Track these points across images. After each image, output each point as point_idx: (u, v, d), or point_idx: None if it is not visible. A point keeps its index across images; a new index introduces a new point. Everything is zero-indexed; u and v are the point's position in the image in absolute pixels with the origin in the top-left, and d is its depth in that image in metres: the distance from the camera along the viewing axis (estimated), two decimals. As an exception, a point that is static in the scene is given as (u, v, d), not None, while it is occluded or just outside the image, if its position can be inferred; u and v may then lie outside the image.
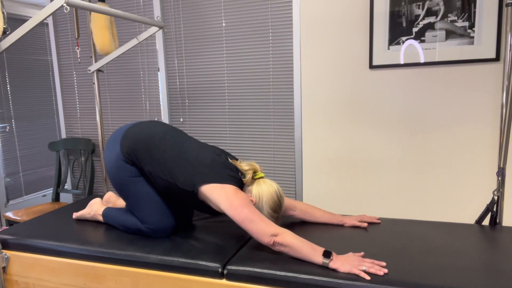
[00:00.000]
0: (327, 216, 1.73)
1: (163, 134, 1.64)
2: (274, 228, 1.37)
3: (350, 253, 1.37)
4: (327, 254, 1.32)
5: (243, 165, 1.59)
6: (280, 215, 1.56)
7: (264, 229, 1.37)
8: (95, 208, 1.86)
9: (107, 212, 1.80)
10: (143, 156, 1.58)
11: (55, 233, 1.74)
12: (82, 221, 1.91)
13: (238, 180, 1.54)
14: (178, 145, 1.61)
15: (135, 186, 1.62)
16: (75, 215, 1.92)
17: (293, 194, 2.61)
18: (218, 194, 1.46)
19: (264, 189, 1.53)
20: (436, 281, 1.22)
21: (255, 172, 1.59)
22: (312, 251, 1.34)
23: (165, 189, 1.59)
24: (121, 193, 1.66)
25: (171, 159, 1.55)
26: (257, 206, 1.51)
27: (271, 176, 2.67)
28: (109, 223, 1.79)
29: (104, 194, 2.68)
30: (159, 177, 1.56)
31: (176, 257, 1.47)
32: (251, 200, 1.50)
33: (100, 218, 1.83)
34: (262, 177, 1.58)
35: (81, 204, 2.16)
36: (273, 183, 1.56)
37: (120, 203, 1.95)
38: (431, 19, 2.13)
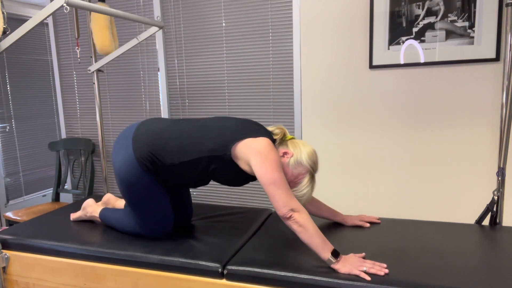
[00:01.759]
0: (330, 211, 1.73)
1: (174, 122, 1.59)
2: (296, 203, 1.35)
3: (351, 254, 1.37)
4: (335, 254, 1.32)
5: (272, 128, 1.55)
6: (315, 180, 1.50)
7: (286, 200, 1.33)
8: (90, 211, 1.85)
9: (105, 213, 1.79)
10: (161, 149, 1.51)
11: (55, 233, 1.74)
12: (81, 221, 1.91)
13: (271, 139, 1.48)
14: (194, 122, 1.56)
15: (144, 194, 1.56)
16: (72, 217, 1.91)
17: (293, 194, 2.61)
18: (250, 148, 1.40)
19: (301, 144, 1.49)
20: (436, 281, 1.22)
21: (284, 134, 1.54)
22: (322, 244, 1.32)
23: (192, 172, 1.51)
24: (128, 197, 1.59)
25: (193, 135, 1.50)
26: (296, 159, 1.45)
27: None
28: (107, 224, 1.78)
29: (104, 194, 2.68)
30: (183, 163, 1.49)
31: (176, 257, 1.47)
32: (287, 153, 1.47)
33: (98, 220, 1.83)
34: (294, 138, 1.55)
35: (81, 204, 2.16)
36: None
37: (119, 204, 1.94)
38: (431, 19, 2.13)
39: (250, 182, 2.74)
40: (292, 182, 1.48)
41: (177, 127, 1.55)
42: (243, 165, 1.45)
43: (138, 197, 1.56)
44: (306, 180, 1.47)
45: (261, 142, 1.41)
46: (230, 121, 1.54)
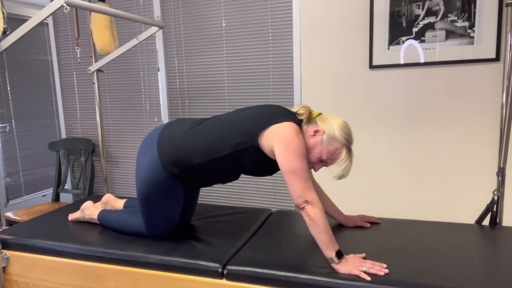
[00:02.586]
0: (335, 209, 1.73)
1: (197, 122, 1.58)
2: (312, 195, 1.33)
3: (351, 254, 1.37)
4: (339, 255, 1.32)
5: (297, 108, 1.50)
6: (352, 153, 1.44)
7: (302, 191, 1.32)
8: (88, 213, 1.84)
9: (103, 215, 1.79)
10: (186, 151, 1.49)
11: (55, 233, 1.74)
12: (81, 221, 1.90)
13: (296, 120, 1.44)
14: (216, 119, 1.54)
15: (162, 197, 1.55)
16: (70, 217, 1.91)
17: (293, 194, 2.61)
18: (274, 135, 1.37)
19: (330, 118, 1.44)
20: (436, 281, 1.22)
21: (310, 112, 1.50)
22: (328, 243, 1.32)
23: (222, 169, 1.50)
24: (145, 197, 1.57)
25: (218, 131, 1.47)
26: (329, 134, 1.41)
27: (271, 176, 2.67)
28: (106, 225, 1.78)
29: (104, 194, 2.68)
30: (212, 161, 1.47)
31: (176, 257, 1.47)
32: (318, 130, 1.42)
33: (96, 222, 1.83)
34: (321, 114, 1.50)
35: (81, 204, 2.15)
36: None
37: (119, 204, 1.94)
38: (431, 19, 2.13)
39: (251, 182, 2.74)
40: (329, 159, 1.44)
41: (200, 126, 1.54)
42: (269, 153, 1.42)
43: (155, 199, 1.57)
44: (343, 154, 1.42)
45: (285, 128, 1.37)
46: (251, 110, 1.50)
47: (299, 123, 1.46)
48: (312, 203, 1.33)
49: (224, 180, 1.59)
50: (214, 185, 2.84)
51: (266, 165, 1.50)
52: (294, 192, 1.34)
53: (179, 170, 1.52)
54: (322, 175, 2.50)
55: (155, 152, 1.54)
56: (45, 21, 3.67)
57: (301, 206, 1.34)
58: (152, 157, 1.55)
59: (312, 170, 1.59)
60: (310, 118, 1.49)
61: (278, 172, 2.63)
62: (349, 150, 1.43)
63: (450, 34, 2.11)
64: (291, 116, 1.45)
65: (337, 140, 1.41)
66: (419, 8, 2.15)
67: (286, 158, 1.34)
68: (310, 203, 1.33)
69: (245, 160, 1.48)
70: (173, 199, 1.58)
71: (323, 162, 1.46)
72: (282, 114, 1.44)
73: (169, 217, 1.61)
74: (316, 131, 1.43)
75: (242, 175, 2.74)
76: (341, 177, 1.44)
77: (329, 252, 1.32)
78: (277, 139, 1.36)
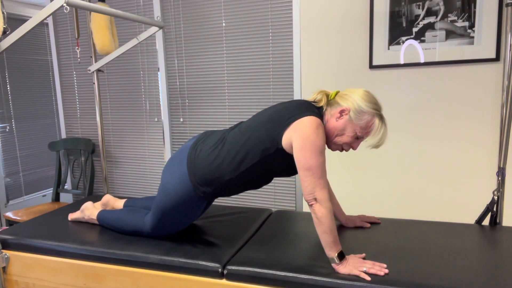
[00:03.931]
0: (338, 208, 1.73)
1: (221, 136, 1.53)
2: (323, 194, 1.31)
3: (351, 255, 1.37)
4: (341, 256, 1.32)
5: (313, 96, 1.46)
6: (384, 118, 1.39)
7: (314, 188, 1.31)
8: (88, 213, 1.85)
9: (103, 215, 1.79)
10: (217, 171, 1.46)
11: (55, 233, 1.74)
12: (81, 221, 1.90)
13: (316, 111, 1.40)
14: (236, 130, 1.50)
15: (184, 210, 1.55)
16: (70, 217, 1.91)
17: (293, 194, 2.61)
18: (294, 131, 1.34)
19: (349, 93, 1.40)
20: (436, 281, 1.22)
21: (327, 95, 1.46)
22: (331, 243, 1.31)
23: (253, 178, 1.48)
24: (165, 206, 1.55)
25: (241, 142, 1.44)
26: (355, 109, 1.37)
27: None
28: (105, 225, 1.78)
29: (104, 194, 2.68)
30: (242, 173, 1.45)
31: (176, 257, 1.47)
32: (343, 110, 1.38)
33: (96, 222, 1.83)
34: (338, 92, 1.46)
35: (81, 204, 2.16)
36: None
37: (118, 205, 1.94)
38: (431, 19, 2.13)
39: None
40: (365, 134, 1.40)
41: (225, 141, 1.50)
42: (289, 149, 1.39)
43: (176, 213, 1.56)
44: (377, 123, 1.37)
45: (305, 123, 1.34)
46: (270, 111, 1.46)
47: (319, 111, 1.43)
48: (321, 202, 1.31)
49: (256, 187, 1.56)
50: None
51: (293, 164, 1.46)
52: (305, 188, 1.33)
53: (211, 189, 1.50)
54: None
55: (186, 173, 1.51)
56: (45, 21, 3.67)
57: (310, 203, 1.33)
58: (183, 178, 1.51)
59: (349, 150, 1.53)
60: (330, 101, 1.45)
61: (278, 172, 2.63)
62: (381, 117, 1.38)
63: (450, 34, 2.11)
64: (310, 108, 1.41)
65: (365, 112, 1.37)
66: (419, 8, 2.15)
67: (303, 155, 1.32)
68: (319, 201, 1.32)
69: (273, 165, 1.45)
70: (194, 213, 1.59)
71: (359, 139, 1.42)
72: (301, 107, 1.40)
73: (180, 226, 1.62)
74: (341, 111, 1.39)
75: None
76: (377, 146, 1.40)
77: (331, 252, 1.32)
78: (296, 135, 1.34)
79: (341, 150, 1.46)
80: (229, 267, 1.39)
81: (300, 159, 1.32)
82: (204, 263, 1.42)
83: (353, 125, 1.38)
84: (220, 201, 2.86)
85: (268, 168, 1.46)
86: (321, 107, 1.45)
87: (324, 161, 1.34)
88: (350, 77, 2.35)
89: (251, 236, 1.68)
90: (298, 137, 1.33)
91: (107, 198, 1.96)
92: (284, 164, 1.45)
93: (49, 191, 3.99)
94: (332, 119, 1.41)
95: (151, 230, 1.62)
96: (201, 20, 2.69)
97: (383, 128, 1.38)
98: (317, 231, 1.34)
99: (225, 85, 2.70)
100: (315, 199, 1.32)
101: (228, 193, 1.55)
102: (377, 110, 1.38)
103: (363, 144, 2.38)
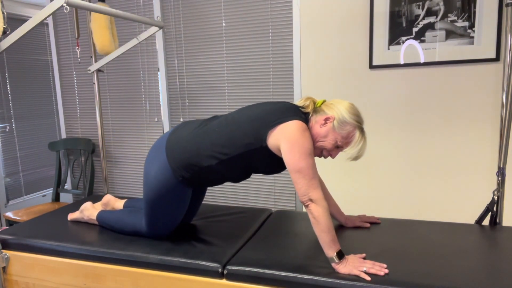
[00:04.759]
0: (337, 208, 1.73)
1: (204, 123, 1.57)
2: (317, 194, 1.34)
3: (351, 255, 1.37)
4: (340, 255, 1.32)
5: (301, 101, 1.51)
6: (365, 132, 1.45)
7: (308, 189, 1.34)
8: (87, 214, 1.85)
9: (102, 215, 1.79)
10: (195, 154, 1.49)
11: (55, 233, 1.74)
12: (81, 221, 1.90)
13: (303, 116, 1.45)
14: (223, 119, 1.54)
15: (169, 201, 1.56)
16: (70, 217, 1.91)
17: (293, 194, 2.61)
18: (280, 134, 1.38)
19: (335, 103, 1.46)
20: (436, 281, 1.22)
21: (314, 102, 1.51)
22: (330, 242, 1.32)
23: (232, 170, 1.51)
24: (152, 200, 1.57)
25: (226, 132, 1.48)
26: (339, 119, 1.42)
27: (271, 175, 2.67)
28: (105, 225, 1.78)
29: (104, 194, 2.68)
30: (221, 163, 1.48)
31: (176, 257, 1.47)
32: (328, 118, 1.43)
33: (95, 223, 1.83)
34: (325, 101, 1.52)
35: (81, 204, 2.16)
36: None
37: (119, 205, 1.94)
38: (431, 19, 2.13)
39: (250, 182, 2.74)
40: (345, 144, 1.45)
41: (207, 128, 1.54)
42: (276, 151, 1.43)
43: (163, 204, 1.57)
44: (357, 136, 1.43)
45: (292, 126, 1.38)
46: (258, 108, 1.50)
47: (306, 117, 1.47)
48: (317, 202, 1.34)
49: (234, 180, 1.59)
50: (215, 186, 2.84)
51: (276, 164, 1.50)
52: (299, 190, 1.35)
53: (190, 174, 1.52)
54: (322, 176, 2.51)
55: (164, 158, 1.54)
56: (45, 21, 3.67)
57: (306, 204, 1.35)
58: (162, 163, 1.54)
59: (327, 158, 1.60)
60: (316, 108, 1.49)
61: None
62: (362, 131, 1.45)
63: (450, 34, 2.11)
64: (297, 112, 1.45)
65: (348, 123, 1.42)
66: (419, 8, 2.15)
67: (293, 157, 1.35)
68: (314, 201, 1.34)
69: (254, 160, 1.48)
70: (180, 202, 1.59)
71: (339, 148, 1.47)
72: (289, 111, 1.44)
73: (172, 219, 1.61)
74: (326, 119, 1.44)
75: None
76: (356, 158, 1.45)
77: (330, 251, 1.32)
78: (283, 138, 1.38)
79: (320, 155, 1.51)
80: (229, 267, 1.39)
81: (290, 161, 1.36)
82: (204, 263, 1.42)
83: (335, 133, 1.44)
84: (220, 201, 2.86)
85: (249, 162, 1.49)
86: (308, 113, 1.49)
87: (313, 162, 1.37)
88: (350, 77, 2.35)
89: (251, 236, 1.68)
90: (286, 140, 1.37)
91: (107, 198, 1.96)
92: (264, 162, 1.49)
93: (49, 191, 3.99)
94: (317, 125, 1.46)
95: (147, 229, 1.62)
96: (201, 20, 2.69)
97: (363, 141, 1.44)
98: (315, 231, 1.35)
99: (225, 85, 2.70)
100: (311, 200, 1.34)
101: (206, 182, 1.56)
102: (359, 123, 1.44)
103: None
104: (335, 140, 1.44)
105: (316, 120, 1.46)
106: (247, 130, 1.45)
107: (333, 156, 1.49)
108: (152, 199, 1.57)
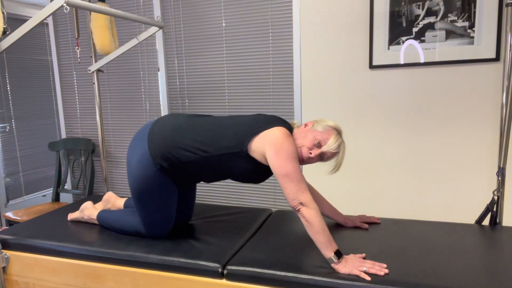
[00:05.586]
0: (332, 210, 1.73)
1: (189, 118, 1.60)
2: (306, 196, 1.35)
3: (351, 255, 1.37)
4: (338, 254, 1.32)
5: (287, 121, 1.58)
6: (343, 139, 1.50)
7: (296, 193, 1.35)
8: (87, 213, 1.85)
9: (102, 215, 1.79)
10: (175, 147, 1.51)
11: (55, 233, 1.74)
12: (81, 221, 1.90)
13: (287, 126, 1.51)
14: (209, 119, 1.57)
15: (154, 193, 1.56)
16: (70, 217, 1.91)
17: (293, 194, 2.61)
18: (264, 139, 1.41)
19: (318, 119, 1.55)
20: (436, 281, 1.22)
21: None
22: (326, 243, 1.33)
23: (208, 170, 1.53)
24: (137, 194, 1.58)
25: (208, 132, 1.50)
26: (318, 122, 1.50)
27: (271, 176, 2.67)
28: (105, 225, 1.78)
29: (104, 194, 2.68)
30: (198, 161, 1.50)
31: (176, 257, 1.47)
32: (309, 123, 1.52)
33: (96, 222, 1.83)
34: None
35: (81, 204, 2.15)
36: None
37: (119, 203, 1.94)
38: (431, 19, 2.13)
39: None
40: (323, 140, 1.47)
41: (191, 123, 1.56)
42: (259, 158, 1.45)
43: (148, 195, 1.57)
44: (335, 134, 1.48)
45: (276, 132, 1.42)
46: (244, 118, 1.55)
47: (290, 128, 1.52)
48: (307, 205, 1.35)
49: (207, 180, 1.61)
50: (213, 185, 2.84)
51: (255, 171, 1.51)
52: (288, 194, 1.37)
53: (167, 164, 1.53)
54: (322, 176, 2.51)
55: (145, 145, 1.56)
56: (45, 21, 3.67)
57: (297, 208, 1.36)
58: (143, 150, 1.56)
59: (309, 166, 1.64)
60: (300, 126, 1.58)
61: (278, 172, 2.63)
62: (339, 133, 1.50)
63: (450, 34, 2.11)
64: (283, 122, 1.51)
65: (327, 123, 1.50)
66: (419, 8, 2.15)
67: (278, 162, 1.37)
68: (304, 204, 1.35)
69: (231, 165, 1.50)
70: (166, 195, 1.59)
71: (318, 147, 1.47)
72: (274, 120, 1.49)
73: (165, 215, 1.61)
74: (306, 124, 1.54)
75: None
76: (337, 164, 1.49)
77: (328, 252, 1.32)
78: (268, 144, 1.40)
79: (302, 160, 1.50)
80: (229, 267, 1.39)
81: (276, 166, 1.37)
82: (204, 263, 1.42)
83: (314, 132, 1.48)
84: (220, 201, 2.86)
85: (225, 166, 1.51)
86: (292, 128, 1.55)
87: (299, 167, 1.40)
88: (350, 77, 2.35)
89: (251, 236, 1.68)
90: (271, 146, 1.39)
91: (109, 195, 1.96)
92: (241, 168, 1.50)
93: (49, 191, 3.99)
94: (299, 131, 1.52)
95: (145, 227, 1.63)
96: (201, 20, 2.69)
97: (341, 141, 1.48)
98: (310, 234, 1.35)
99: (225, 85, 2.70)
100: (301, 203, 1.35)
101: (182, 176, 1.57)
102: (338, 130, 1.51)
103: (363, 144, 2.38)
104: (314, 136, 1.47)
105: (299, 129, 1.54)
106: (230, 134, 1.48)
107: (312, 157, 1.47)
108: (135, 189, 1.58)
